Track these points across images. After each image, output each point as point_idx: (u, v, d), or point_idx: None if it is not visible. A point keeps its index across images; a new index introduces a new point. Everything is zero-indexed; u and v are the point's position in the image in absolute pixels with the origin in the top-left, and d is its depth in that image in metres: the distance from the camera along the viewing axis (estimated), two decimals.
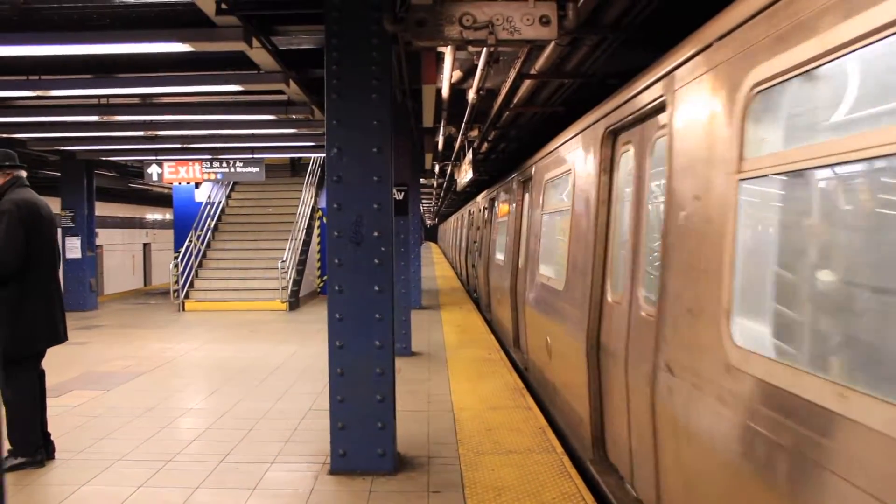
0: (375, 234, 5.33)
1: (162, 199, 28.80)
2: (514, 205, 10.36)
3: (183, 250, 17.72)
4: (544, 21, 5.23)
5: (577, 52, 6.43)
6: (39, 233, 5.51)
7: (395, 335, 5.60)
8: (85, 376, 9.01)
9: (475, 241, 17.58)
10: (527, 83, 7.84)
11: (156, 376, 9.10)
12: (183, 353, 10.80)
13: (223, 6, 5.82)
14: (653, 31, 5.67)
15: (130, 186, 23.40)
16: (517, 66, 7.20)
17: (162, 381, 8.80)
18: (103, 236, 22.64)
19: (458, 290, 20.76)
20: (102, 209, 21.01)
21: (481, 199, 16.96)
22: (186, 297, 16.96)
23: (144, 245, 32.97)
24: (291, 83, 8.02)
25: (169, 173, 15.95)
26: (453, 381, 8.37)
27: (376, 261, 5.33)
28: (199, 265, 18.02)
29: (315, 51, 7.54)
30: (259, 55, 6.94)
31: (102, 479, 5.32)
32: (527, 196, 9.48)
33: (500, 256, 11.75)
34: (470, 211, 21.20)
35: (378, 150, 5.34)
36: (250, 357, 10.36)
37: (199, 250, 18.23)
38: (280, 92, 8.89)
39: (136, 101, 9.92)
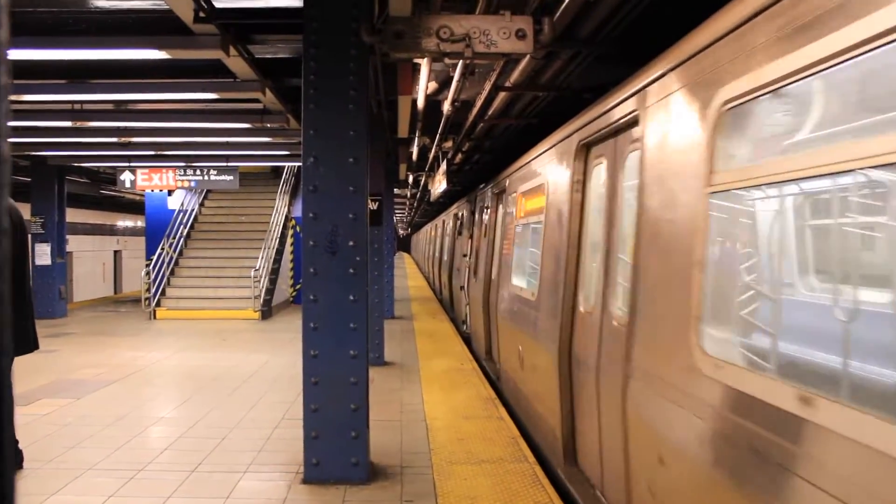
0: (350, 243, 5.35)
1: (134, 205, 28.54)
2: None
3: (155, 258, 17.57)
4: (520, 35, 5.31)
5: (551, 65, 6.52)
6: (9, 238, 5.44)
7: (369, 345, 5.62)
8: (55, 384, 8.90)
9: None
10: (502, 95, 7.92)
11: (127, 385, 9.02)
12: (154, 362, 10.70)
13: (201, 14, 5.83)
14: (626, 46, 5.77)
15: (102, 193, 23.16)
16: (492, 79, 7.28)
17: (133, 390, 8.72)
18: (73, 243, 22.35)
19: (431, 301, 20.79)
20: (73, 215, 20.75)
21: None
22: (158, 305, 16.81)
23: (115, 252, 32.60)
24: (268, 92, 8.03)
25: (142, 180, 15.85)
26: (426, 391, 8.40)
27: (351, 270, 5.35)
28: (171, 273, 17.86)
29: (291, 60, 7.57)
30: (236, 63, 6.95)
31: (72, 488, 5.27)
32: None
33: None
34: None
35: (354, 160, 5.38)
36: (223, 366, 10.30)
37: (172, 258, 18.07)
38: (256, 100, 8.90)
39: (109, 106, 9.87)
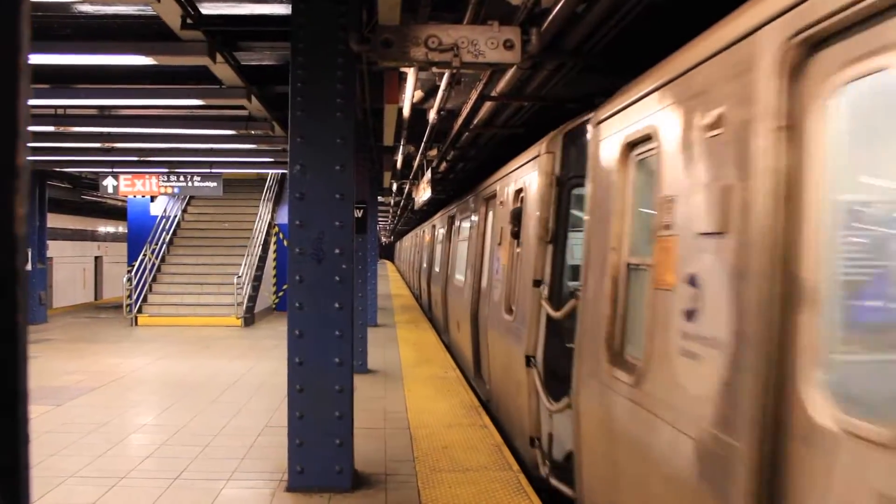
0: (337, 251, 5.35)
1: (115, 211, 28.30)
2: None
3: (137, 264, 17.45)
4: (508, 45, 5.35)
5: (537, 75, 6.58)
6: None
7: (353, 352, 5.62)
8: (35, 391, 8.77)
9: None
10: (487, 105, 7.96)
11: (108, 392, 8.95)
12: (136, 369, 10.63)
13: (188, 21, 5.83)
14: (611, 58, 5.83)
15: (84, 198, 22.98)
16: (479, 88, 7.32)
17: (115, 397, 8.66)
18: (53, 248, 22.14)
19: (414, 309, 20.78)
20: (53, 221, 20.56)
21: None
22: (139, 311, 16.70)
23: (96, 258, 32.31)
24: (253, 99, 8.02)
25: (125, 186, 15.74)
26: (409, 399, 8.39)
27: (337, 278, 5.36)
28: (153, 279, 17.76)
29: (277, 67, 7.57)
30: (222, 70, 6.95)
31: (53, 497, 5.22)
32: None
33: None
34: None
35: (341, 167, 5.38)
36: (205, 373, 10.24)
37: (154, 264, 17.97)
38: (241, 107, 8.88)
39: (93, 112, 9.81)
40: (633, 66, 4.13)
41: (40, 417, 7.49)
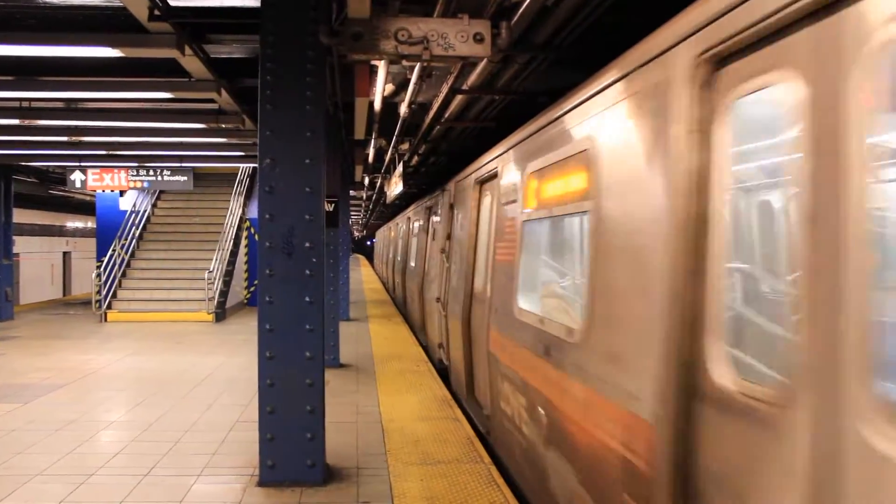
0: (307, 245, 5.33)
1: (84, 206, 27.96)
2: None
3: (106, 259, 17.22)
4: (478, 38, 5.35)
5: (508, 69, 6.58)
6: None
7: (324, 347, 5.61)
8: (0, 389, 8.69)
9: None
10: (458, 98, 7.96)
11: (77, 388, 8.84)
12: (105, 365, 10.51)
13: (156, 12, 5.76)
14: (581, 51, 5.86)
15: (51, 193, 22.64)
16: (450, 82, 7.31)
17: (83, 394, 8.56)
18: (20, 244, 21.80)
19: (387, 303, 20.77)
20: (20, 216, 20.25)
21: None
22: (109, 307, 16.50)
23: (64, 254, 31.88)
24: (223, 92, 7.95)
25: (93, 180, 15.56)
26: (381, 393, 8.39)
27: (308, 272, 5.34)
28: (123, 275, 17.55)
29: (247, 60, 7.51)
30: (191, 63, 6.87)
31: (19, 495, 5.15)
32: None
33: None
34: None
35: (311, 161, 5.36)
36: (176, 369, 10.16)
37: (123, 260, 17.76)
38: (211, 100, 8.80)
39: (59, 104, 9.66)
40: (602, 60, 4.15)
41: (5, 416, 7.39)
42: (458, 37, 5.35)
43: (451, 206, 9.52)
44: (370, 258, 60.30)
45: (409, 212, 17.77)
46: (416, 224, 14.87)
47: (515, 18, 5.32)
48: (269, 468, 5.33)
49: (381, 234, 35.61)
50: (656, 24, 3.37)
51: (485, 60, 6.10)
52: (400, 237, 20.26)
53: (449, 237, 9.36)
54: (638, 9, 5.11)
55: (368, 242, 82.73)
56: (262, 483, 5.33)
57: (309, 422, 5.35)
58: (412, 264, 15.23)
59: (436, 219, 11.24)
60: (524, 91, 7.21)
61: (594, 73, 4.17)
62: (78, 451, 6.22)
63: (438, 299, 9.65)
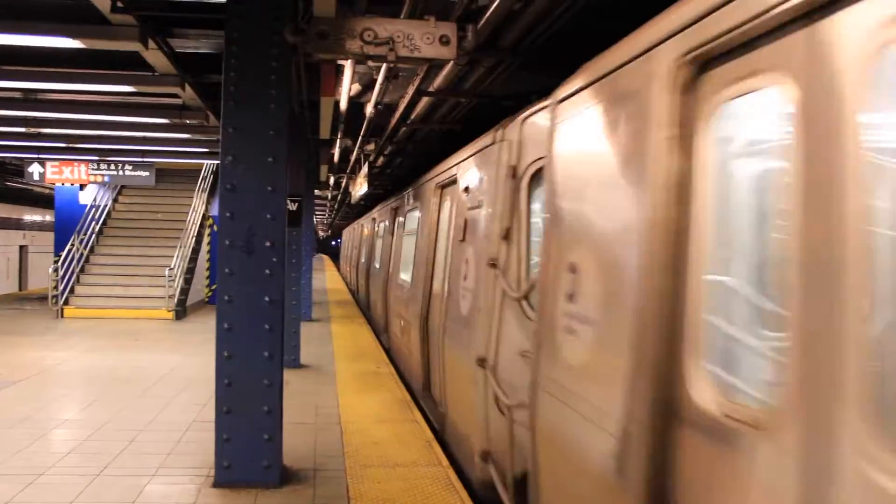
0: (267, 244, 5.29)
1: (42, 199, 27.42)
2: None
3: (64, 254, 16.90)
4: (444, 41, 5.36)
5: (475, 72, 6.59)
6: None
7: (285, 347, 5.57)
8: None
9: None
10: (425, 100, 7.96)
11: (31, 385, 8.66)
12: (61, 362, 10.31)
13: (119, 4, 5.66)
14: (548, 56, 5.88)
15: (7, 185, 22.17)
16: (416, 83, 7.31)
17: (37, 391, 8.38)
18: None
19: (350, 304, 20.67)
20: None
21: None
22: (66, 303, 16.19)
23: (21, 247, 31.23)
24: (187, 87, 7.86)
25: (52, 173, 15.25)
26: (342, 394, 8.35)
27: (267, 271, 5.29)
28: (82, 270, 17.23)
29: (213, 55, 7.41)
30: (154, 57, 6.78)
31: None
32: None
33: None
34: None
35: (273, 159, 5.31)
36: (133, 367, 9.99)
37: (82, 255, 17.44)
38: (175, 95, 8.69)
39: (17, 95, 9.45)
40: (569, 65, 4.15)
41: None
42: (424, 38, 5.35)
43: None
44: (336, 258, 59.64)
45: (375, 213, 17.72)
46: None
47: (482, 22, 5.32)
48: (224, 469, 5.27)
49: (347, 235, 35.36)
50: (624, 31, 3.38)
51: (451, 63, 6.11)
52: (364, 238, 20.20)
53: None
54: (606, 16, 5.14)
55: (334, 242, 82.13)
56: (218, 484, 5.26)
57: (266, 422, 5.30)
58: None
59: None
60: (490, 95, 7.23)
61: (562, 77, 4.17)
62: (30, 449, 6.09)
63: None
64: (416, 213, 9.53)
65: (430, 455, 6.08)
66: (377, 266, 14.80)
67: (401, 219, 11.25)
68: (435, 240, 7.84)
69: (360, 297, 20.23)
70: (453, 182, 6.98)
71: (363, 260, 18.27)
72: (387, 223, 13.45)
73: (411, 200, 10.14)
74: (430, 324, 7.62)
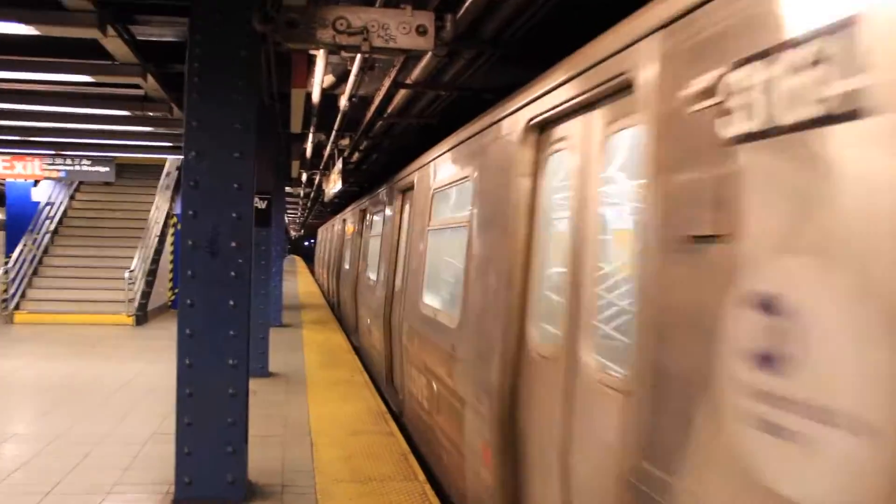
0: (233, 244, 4.98)
1: None
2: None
3: (15, 255, 16.25)
4: (421, 31, 5.13)
5: (454, 64, 6.35)
6: None
7: (252, 354, 5.27)
8: None
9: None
10: (402, 93, 7.70)
11: None
12: (10, 371, 9.81)
13: None
14: (529, 48, 5.67)
15: None
16: (392, 75, 7.04)
17: None
18: None
19: (322, 308, 20.25)
20: None
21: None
22: (17, 308, 15.55)
23: None
24: (150, 77, 7.46)
25: (3, 168, 14.66)
26: (312, 405, 8.00)
27: (233, 273, 4.99)
28: (35, 273, 16.56)
29: (177, 44, 7.02)
30: (114, 44, 6.40)
31: None
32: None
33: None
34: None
35: (240, 154, 5.03)
36: (90, 376, 9.53)
37: (35, 256, 16.78)
38: (136, 86, 8.28)
39: None
40: (551, 57, 3.97)
41: None
42: (400, 28, 5.12)
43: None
44: (309, 260, 58.49)
45: (347, 213, 17.49)
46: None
47: (461, 11, 5.12)
48: (185, 485, 4.95)
49: (320, 236, 34.85)
50: (604, 22, 3.31)
51: (429, 54, 5.86)
52: (335, 239, 19.95)
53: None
54: (587, 7, 4.94)
55: (307, 243, 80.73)
56: (178, 501, 4.95)
57: (230, 435, 4.99)
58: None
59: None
60: (470, 87, 6.99)
61: (542, 70, 4.07)
62: None
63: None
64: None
65: (405, 469, 5.78)
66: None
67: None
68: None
69: (332, 300, 19.94)
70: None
71: (335, 260, 18.11)
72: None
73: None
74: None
